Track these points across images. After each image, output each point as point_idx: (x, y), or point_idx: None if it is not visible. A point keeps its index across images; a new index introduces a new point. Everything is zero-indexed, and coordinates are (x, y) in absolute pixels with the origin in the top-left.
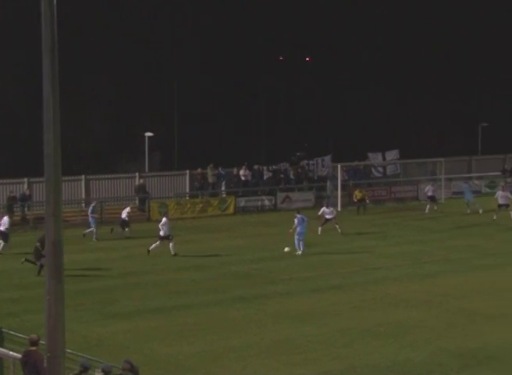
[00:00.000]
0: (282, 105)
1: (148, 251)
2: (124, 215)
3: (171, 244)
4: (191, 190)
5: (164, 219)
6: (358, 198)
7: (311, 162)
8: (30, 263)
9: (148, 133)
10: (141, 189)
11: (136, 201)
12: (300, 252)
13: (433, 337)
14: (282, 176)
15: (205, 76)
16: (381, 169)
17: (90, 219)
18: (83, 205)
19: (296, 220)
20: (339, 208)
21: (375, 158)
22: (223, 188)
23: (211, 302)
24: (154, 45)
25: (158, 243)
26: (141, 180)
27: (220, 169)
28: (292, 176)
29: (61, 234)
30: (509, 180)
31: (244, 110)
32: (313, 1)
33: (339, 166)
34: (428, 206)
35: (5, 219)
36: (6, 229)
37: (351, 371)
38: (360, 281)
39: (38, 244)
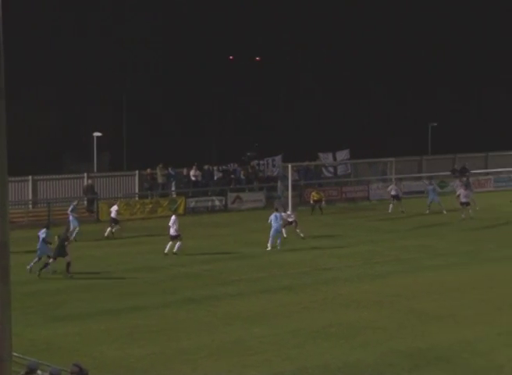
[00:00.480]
0: (232, 105)
1: (172, 253)
2: (113, 213)
3: (178, 244)
4: (141, 190)
5: (173, 217)
6: (315, 199)
7: (261, 162)
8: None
9: (97, 133)
10: (90, 190)
11: (85, 202)
12: (279, 247)
13: (384, 337)
14: (232, 176)
15: (154, 76)
16: (331, 169)
17: (70, 218)
18: (30, 206)
19: (272, 217)
20: (289, 210)
21: (325, 158)
22: (173, 189)
23: (161, 304)
24: (102, 44)
25: (171, 243)
26: (90, 181)
27: (170, 169)
28: (242, 177)
29: (7, 236)
30: (464, 179)
31: (194, 110)
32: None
33: (289, 166)
34: (391, 205)
35: None
36: None
37: (303, 372)
38: (311, 282)
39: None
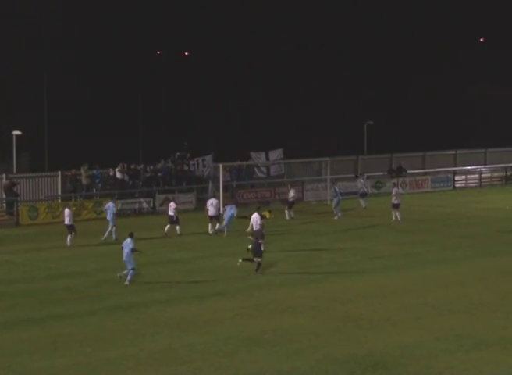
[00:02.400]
0: (161, 103)
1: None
2: (171, 211)
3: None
4: (64, 192)
5: (172, 203)
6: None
7: (191, 162)
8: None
9: (16, 132)
10: (8, 190)
11: (4, 204)
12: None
13: (320, 344)
14: (159, 175)
15: (77, 72)
16: (264, 170)
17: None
18: None
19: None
20: (221, 211)
21: (258, 157)
22: (98, 190)
23: (86, 312)
24: (21, 41)
25: (168, 226)
26: (8, 181)
27: (95, 169)
28: (171, 177)
29: None
30: (395, 180)
31: (121, 108)
32: None
33: (220, 165)
34: (362, 201)
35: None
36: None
37: None
38: (244, 287)
39: None
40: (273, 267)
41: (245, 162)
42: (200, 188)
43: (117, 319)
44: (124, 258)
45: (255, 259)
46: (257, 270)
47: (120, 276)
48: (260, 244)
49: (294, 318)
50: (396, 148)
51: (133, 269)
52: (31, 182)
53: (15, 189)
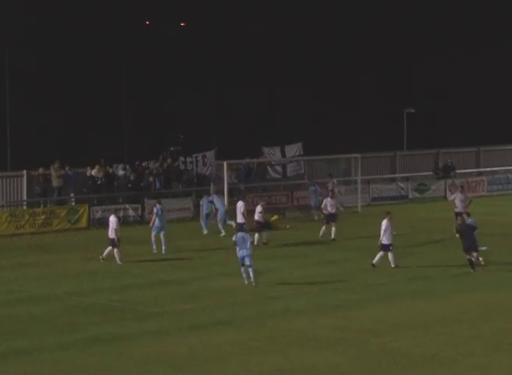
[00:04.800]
0: (148, 89)
1: (264, 243)
2: (257, 216)
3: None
4: (30, 196)
5: (240, 203)
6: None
7: (188, 159)
8: None
9: None
10: None
11: None
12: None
13: None
14: (150, 178)
15: (48, 45)
16: (280, 169)
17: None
18: None
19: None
20: (226, 220)
21: (271, 154)
22: (72, 194)
23: (57, 345)
24: None
25: (257, 235)
26: None
27: (68, 169)
28: (162, 178)
29: None
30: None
31: (99, 95)
32: None
33: (225, 164)
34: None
35: None
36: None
37: None
38: (254, 314)
39: None
40: (290, 289)
41: (256, 160)
42: (200, 192)
43: (96, 354)
44: None
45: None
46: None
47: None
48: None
49: (317, 353)
50: (443, 142)
51: None
52: None
53: None
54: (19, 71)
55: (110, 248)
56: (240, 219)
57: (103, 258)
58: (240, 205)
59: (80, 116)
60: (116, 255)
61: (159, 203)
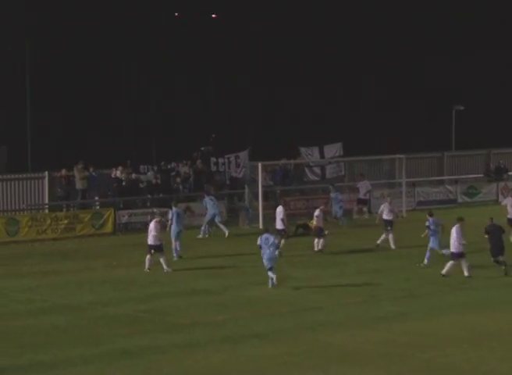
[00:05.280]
0: (176, 85)
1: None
2: (316, 221)
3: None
4: (52, 200)
5: (280, 208)
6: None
7: (220, 160)
8: None
9: None
10: None
11: None
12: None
13: None
14: (177, 179)
15: (66, 43)
16: (318, 170)
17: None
18: None
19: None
20: (260, 225)
21: (309, 154)
22: (97, 197)
23: (81, 359)
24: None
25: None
26: None
27: (92, 170)
28: (191, 180)
29: None
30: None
31: (125, 92)
32: None
33: (259, 165)
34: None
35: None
36: None
37: None
38: (291, 327)
39: None
40: (330, 300)
41: (292, 161)
42: (232, 195)
43: (122, 368)
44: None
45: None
46: None
47: None
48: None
49: (358, 369)
50: (494, 141)
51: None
52: (9, 186)
53: None
54: (40, 68)
55: (149, 256)
56: (279, 225)
57: (149, 269)
58: (280, 210)
59: (105, 115)
60: (163, 262)
61: (175, 206)
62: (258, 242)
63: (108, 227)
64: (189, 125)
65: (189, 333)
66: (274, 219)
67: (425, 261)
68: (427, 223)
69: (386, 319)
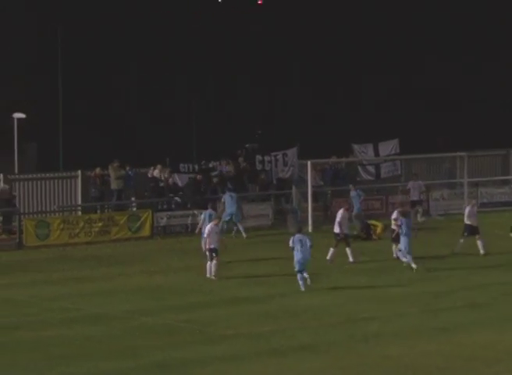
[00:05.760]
0: (220, 76)
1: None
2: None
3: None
4: (85, 201)
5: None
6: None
7: (266, 158)
8: None
9: (18, 114)
10: (6, 199)
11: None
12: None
13: None
14: (215, 179)
15: (104, 31)
16: (372, 169)
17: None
18: None
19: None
20: (309, 228)
21: (363, 152)
22: (134, 198)
23: (117, 372)
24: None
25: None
26: (6, 186)
27: (128, 169)
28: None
29: None
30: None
31: (164, 85)
32: None
33: (309, 163)
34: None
35: None
36: None
37: None
38: (342, 338)
39: None
40: (385, 310)
41: (344, 159)
42: (279, 196)
43: None
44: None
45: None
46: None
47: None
48: None
49: None
50: None
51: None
52: (39, 186)
53: (15, 202)
54: (73, 61)
55: (209, 262)
56: (336, 228)
57: (214, 276)
58: (339, 212)
59: (142, 110)
60: (212, 268)
61: (212, 207)
62: (290, 244)
63: (146, 230)
64: (233, 121)
65: (231, 345)
66: (329, 221)
67: (412, 265)
68: (399, 222)
69: (446, 330)
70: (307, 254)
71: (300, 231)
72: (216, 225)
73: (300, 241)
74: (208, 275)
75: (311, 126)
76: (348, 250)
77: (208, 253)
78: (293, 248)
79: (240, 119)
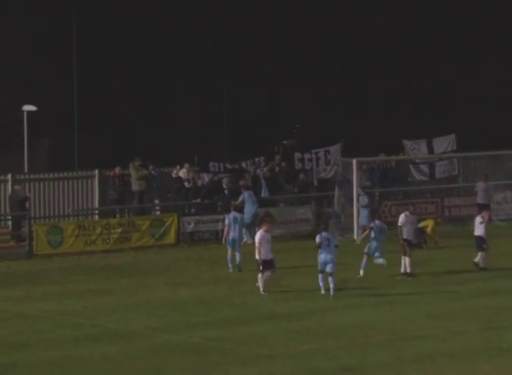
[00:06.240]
0: (254, 65)
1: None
2: (479, 230)
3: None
4: (103, 204)
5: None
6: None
7: (306, 156)
8: None
9: (28, 107)
10: (18, 201)
11: (9, 223)
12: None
13: None
14: (241, 182)
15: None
16: (425, 168)
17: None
18: None
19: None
20: (355, 236)
21: (415, 149)
22: (157, 201)
23: None
24: None
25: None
26: (17, 187)
27: (151, 168)
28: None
29: None
30: None
31: (190, 71)
32: None
33: (354, 162)
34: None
35: None
36: None
37: None
38: (391, 360)
39: None
40: (440, 327)
41: (394, 157)
42: (320, 199)
43: None
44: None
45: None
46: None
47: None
48: None
49: None
50: None
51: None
52: (52, 187)
53: (26, 205)
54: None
55: (261, 275)
56: (405, 233)
57: (264, 291)
58: (402, 216)
59: (166, 103)
60: (262, 282)
61: (235, 210)
62: (318, 240)
63: (171, 237)
64: (268, 115)
65: (267, 366)
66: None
67: (361, 272)
68: (371, 224)
69: (507, 350)
70: (333, 254)
71: (327, 229)
72: (267, 232)
73: (328, 239)
74: (261, 291)
75: (357, 120)
76: (405, 259)
77: (260, 265)
78: (319, 245)
79: (277, 113)
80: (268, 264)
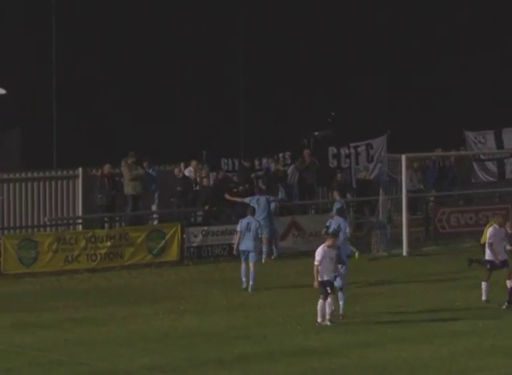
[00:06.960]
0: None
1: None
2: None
3: None
4: (88, 211)
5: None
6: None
7: (343, 150)
8: None
9: None
10: None
11: None
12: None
13: None
14: (258, 183)
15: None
16: (493, 166)
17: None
18: None
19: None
20: (404, 248)
21: (479, 142)
22: (155, 208)
23: None
24: None
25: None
26: None
27: (146, 165)
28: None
29: None
30: None
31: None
32: None
33: (403, 158)
34: None
35: None
36: None
37: None
38: None
39: None
40: (509, 366)
41: (453, 153)
42: (362, 204)
43: None
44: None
45: None
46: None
47: None
48: None
49: None
50: None
51: None
52: (24, 189)
53: None
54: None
55: (321, 301)
56: (488, 255)
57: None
58: (490, 230)
59: (168, 89)
60: (327, 309)
61: (251, 214)
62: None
63: (173, 253)
64: (294, 103)
65: None
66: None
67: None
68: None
69: None
70: (343, 268)
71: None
72: (330, 247)
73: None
74: (319, 320)
75: (406, 108)
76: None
77: (321, 288)
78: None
79: (306, 100)
80: (330, 286)
